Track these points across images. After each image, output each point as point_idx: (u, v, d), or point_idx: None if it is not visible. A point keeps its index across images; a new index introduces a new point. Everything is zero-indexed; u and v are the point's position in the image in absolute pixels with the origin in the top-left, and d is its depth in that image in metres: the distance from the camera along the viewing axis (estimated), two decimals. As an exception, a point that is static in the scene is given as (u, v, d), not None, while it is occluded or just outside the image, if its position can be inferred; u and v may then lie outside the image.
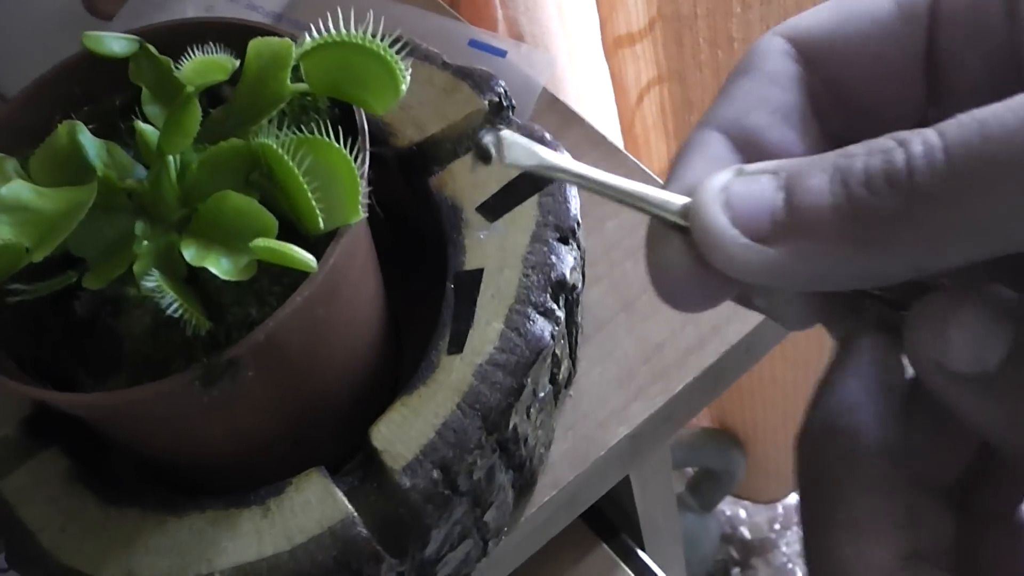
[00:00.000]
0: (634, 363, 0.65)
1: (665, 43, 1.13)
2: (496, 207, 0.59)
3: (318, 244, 0.49)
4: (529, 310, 0.56)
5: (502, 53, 0.73)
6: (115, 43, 0.56)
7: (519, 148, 0.32)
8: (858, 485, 0.30)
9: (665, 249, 0.32)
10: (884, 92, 0.35)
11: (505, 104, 0.63)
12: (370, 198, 0.50)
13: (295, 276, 0.48)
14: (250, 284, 0.48)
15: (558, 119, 0.73)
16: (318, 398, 0.55)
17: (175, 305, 0.46)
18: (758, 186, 0.31)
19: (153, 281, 0.47)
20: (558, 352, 0.58)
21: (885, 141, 0.29)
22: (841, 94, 0.36)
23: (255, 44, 0.53)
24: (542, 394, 0.57)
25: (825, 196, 0.29)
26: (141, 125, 0.52)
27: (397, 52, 0.50)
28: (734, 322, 0.65)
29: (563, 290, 0.57)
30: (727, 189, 0.31)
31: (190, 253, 0.48)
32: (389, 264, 0.60)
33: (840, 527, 0.30)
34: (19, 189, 0.50)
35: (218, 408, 0.51)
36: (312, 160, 0.48)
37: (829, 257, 0.30)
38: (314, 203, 0.48)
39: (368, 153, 0.51)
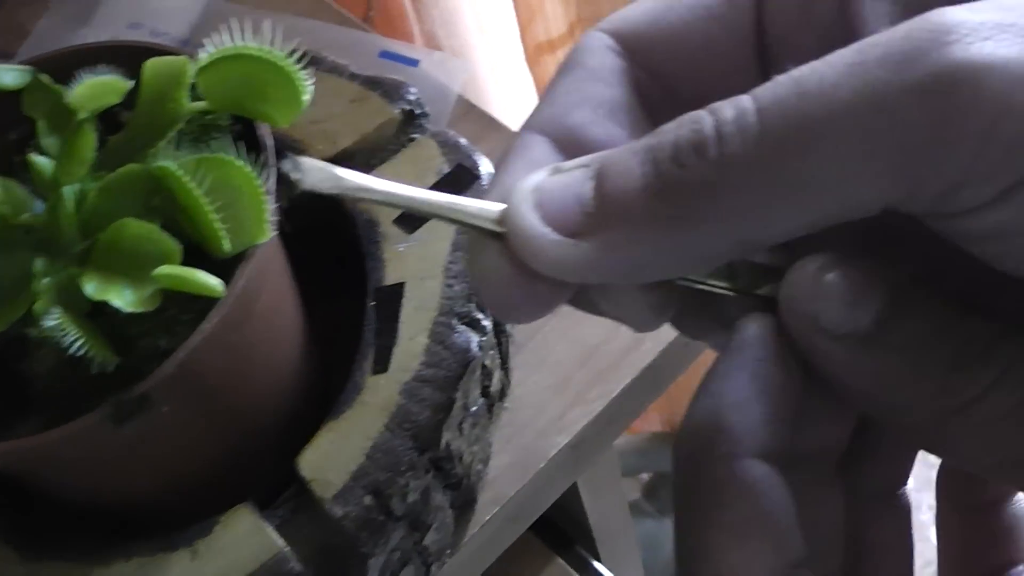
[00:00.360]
0: (570, 368, 0.63)
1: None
2: (414, 218, 0.57)
3: (228, 267, 0.47)
4: (454, 321, 0.54)
5: (414, 62, 0.71)
6: (6, 75, 0.54)
7: (317, 173, 0.30)
8: (741, 488, 0.28)
9: (485, 259, 0.30)
10: (714, 81, 0.33)
11: (418, 112, 0.61)
12: (280, 215, 0.48)
13: (205, 303, 0.46)
14: (158, 314, 0.46)
15: (476, 126, 0.71)
16: (242, 428, 0.53)
17: (78, 343, 0.44)
18: (569, 179, 0.29)
19: (54, 319, 0.44)
20: (488, 363, 0.56)
21: (697, 112, 0.28)
22: (669, 86, 0.34)
23: (151, 64, 0.51)
24: (475, 408, 0.56)
25: (634, 178, 0.28)
26: (34, 157, 0.50)
27: (297, 62, 0.48)
28: (669, 320, 0.64)
29: (489, 298, 0.55)
30: (539, 188, 0.30)
31: (91, 287, 0.45)
32: (311, 283, 0.58)
33: (719, 531, 0.28)
34: (-90, 234, 0.48)
35: (135, 446, 0.49)
36: (213, 179, 0.46)
37: (643, 241, 0.28)
38: (217, 225, 0.45)
39: (274, 169, 0.49)
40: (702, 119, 0.27)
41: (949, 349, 0.28)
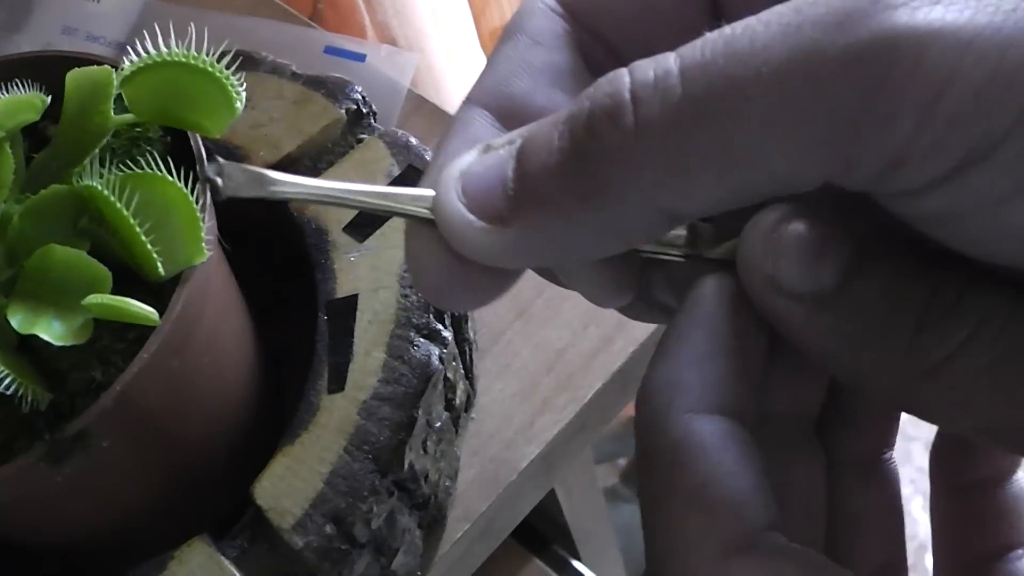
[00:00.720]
0: (536, 374, 0.60)
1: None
2: (364, 224, 0.54)
3: (165, 288, 0.44)
4: (412, 334, 0.51)
5: (361, 57, 0.67)
6: (-80, 92, 0.50)
7: (241, 175, 0.29)
8: (698, 449, 0.26)
9: (419, 247, 0.29)
10: (663, 41, 0.30)
11: (365, 111, 0.58)
12: (220, 230, 0.44)
13: (140, 330, 0.43)
14: (91, 344, 0.43)
15: (428, 121, 0.68)
16: (192, 456, 0.50)
17: (7, 381, 0.41)
18: (495, 160, 0.27)
19: (-22, 355, 0.41)
20: (450, 375, 0.53)
21: (616, 73, 0.25)
22: (616, 48, 0.32)
23: (73, 76, 0.47)
24: (439, 423, 0.53)
25: (552, 153, 0.26)
26: (-50, 181, 0.46)
27: (228, 66, 0.45)
28: (639, 317, 0.61)
29: (447, 307, 0.52)
30: (465, 172, 0.28)
31: (17, 319, 0.42)
32: (260, 296, 0.55)
33: (675, 497, 0.26)
34: None
35: (78, 485, 0.46)
36: (143, 198, 0.43)
37: (564, 222, 0.26)
38: (149, 248, 0.42)
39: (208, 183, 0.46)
40: (619, 81, 0.25)
41: (915, 307, 0.26)
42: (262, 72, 0.59)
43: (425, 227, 0.28)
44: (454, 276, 0.28)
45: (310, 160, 0.57)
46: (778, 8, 0.24)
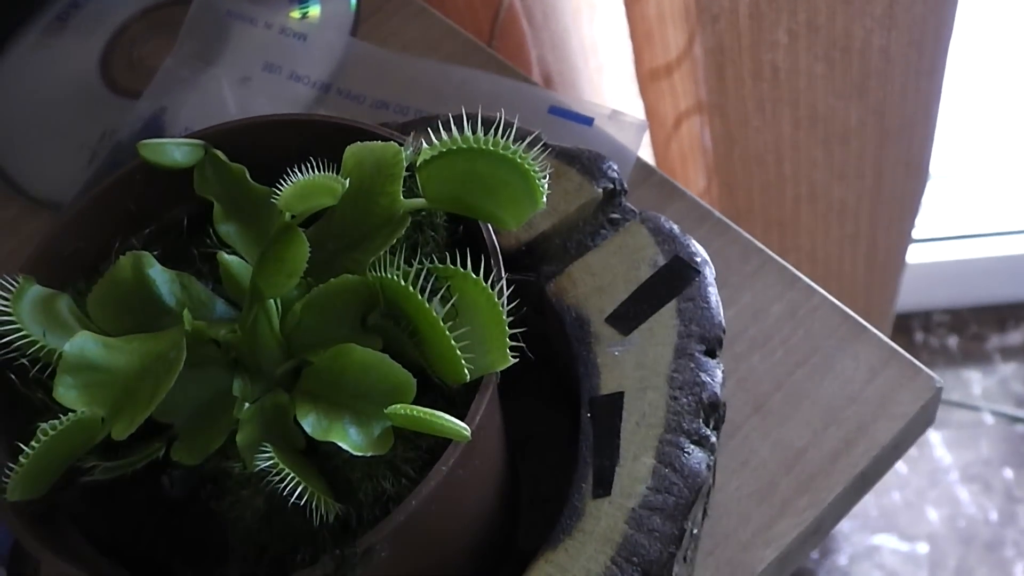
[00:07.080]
0: (775, 473, 0.56)
1: (707, 75, 1.06)
2: (629, 316, 0.51)
3: (457, 393, 0.42)
4: (682, 440, 0.48)
5: (588, 121, 0.64)
6: (177, 151, 0.48)
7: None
8: None
9: None
10: None
11: (619, 189, 0.54)
12: (518, 338, 0.41)
13: (434, 439, 0.40)
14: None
15: (656, 192, 0.64)
16: (447, 557, 0.47)
17: (298, 489, 0.38)
18: None
19: (268, 458, 0.38)
20: (711, 481, 0.50)
21: None
22: None
23: (354, 151, 0.44)
24: (696, 530, 0.49)
25: None
26: (226, 258, 0.44)
27: (535, 158, 0.42)
28: (881, 420, 0.57)
29: (715, 412, 0.49)
30: None
31: (310, 422, 0.39)
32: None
33: None
34: (84, 344, 0.42)
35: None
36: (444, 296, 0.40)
37: None
38: (458, 352, 0.39)
39: (504, 282, 0.43)
40: None
41: None
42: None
43: None
44: None
45: (560, 239, 0.53)
46: None
